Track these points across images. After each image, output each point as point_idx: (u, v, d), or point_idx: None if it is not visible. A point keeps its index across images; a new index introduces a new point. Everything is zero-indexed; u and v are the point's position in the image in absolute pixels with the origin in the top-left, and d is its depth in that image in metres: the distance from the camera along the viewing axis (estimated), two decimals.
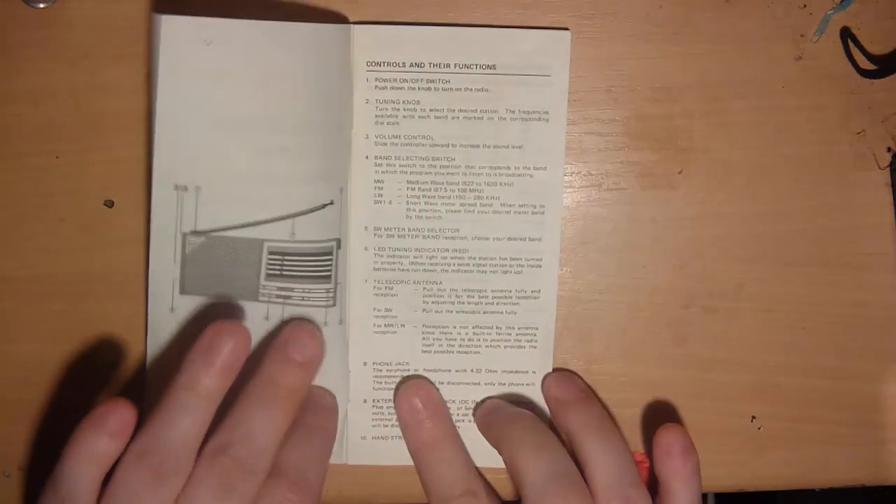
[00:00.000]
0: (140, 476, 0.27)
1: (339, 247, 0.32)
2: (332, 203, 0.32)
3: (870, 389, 0.35)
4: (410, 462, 0.33)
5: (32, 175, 0.33)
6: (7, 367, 0.34)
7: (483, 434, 0.34)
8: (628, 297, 0.34)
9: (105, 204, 0.34)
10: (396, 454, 0.34)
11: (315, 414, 0.32)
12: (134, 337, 0.34)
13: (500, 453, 0.32)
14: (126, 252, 0.34)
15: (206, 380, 0.28)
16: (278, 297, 0.32)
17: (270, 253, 0.32)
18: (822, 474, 0.35)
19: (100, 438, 0.27)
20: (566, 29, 0.33)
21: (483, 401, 0.35)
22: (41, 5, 0.32)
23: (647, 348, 0.35)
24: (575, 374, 0.35)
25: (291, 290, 0.32)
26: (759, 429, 0.35)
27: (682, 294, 0.34)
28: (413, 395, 0.34)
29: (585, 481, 0.31)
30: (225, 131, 0.31)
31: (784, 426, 0.35)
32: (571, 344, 0.35)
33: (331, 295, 0.33)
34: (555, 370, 0.34)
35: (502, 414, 0.33)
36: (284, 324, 0.32)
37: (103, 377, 0.34)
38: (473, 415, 0.34)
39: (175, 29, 0.29)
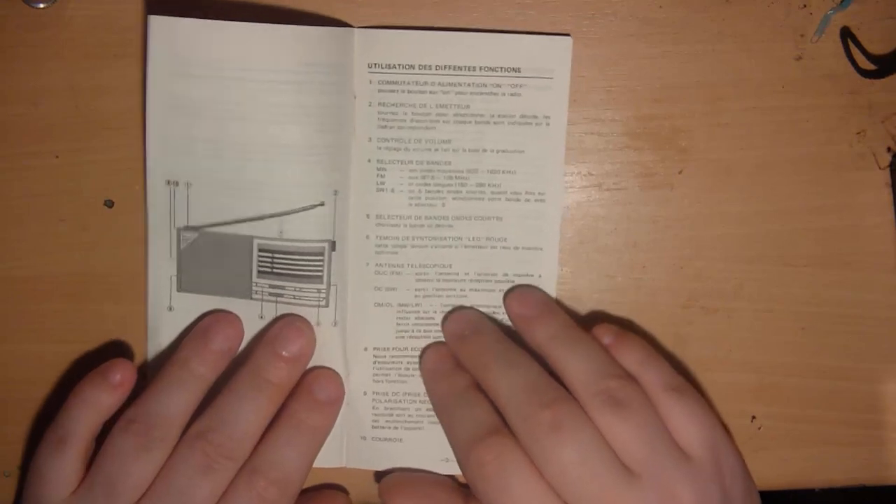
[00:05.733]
0: (128, 441, 0.29)
1: (332, 248, 0.32)
2: (322, 204, 0.32)
3: (870, 389, 0.35)
4: (413, 465, 0.33)
5: (32, 175, 0.33)
6: (7, 367, 0.34)
7: (454, 353, 0.33)
8: (628, 297, 0.34)
9: (105, 204, 0.34)
10: (399, 456, 0.34)
11: (310, 410, 0.32)
12: (134, 337, 0.34)
13: (476, 378, 0.31)
14: (126, 252, 0.34)
15: (198, 360, 0.31)
16: (271, 294, 0.33)
17: (260, 250, 0.32)
18: (822, 474, 0.35)
19: (101, 390, 0.30)
20: (567, 35, 0.33)
21: (449, 314, 0.34)
22: (41, 5, 0.32)
23: None
24: (535, 287, 0.34)
25: (283, 288, 0.33)
26: (759, 429, 0.35)
27: (682, 294, 0.34)
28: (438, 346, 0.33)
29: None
30: (213, 129, 0.31)
31: (784, 426, 0.35)
32: None
33: (323, 296, 0.33)
34: (515, 287, 0.34)
35: (471, 340, 0.32)
36: (277, 319, 0.33)
37: None
38: (442, 325, 0.34)
39: (164, 29, 0.30)
